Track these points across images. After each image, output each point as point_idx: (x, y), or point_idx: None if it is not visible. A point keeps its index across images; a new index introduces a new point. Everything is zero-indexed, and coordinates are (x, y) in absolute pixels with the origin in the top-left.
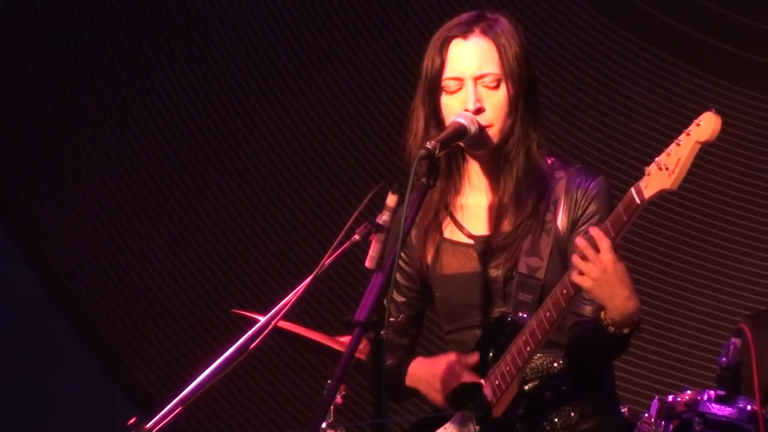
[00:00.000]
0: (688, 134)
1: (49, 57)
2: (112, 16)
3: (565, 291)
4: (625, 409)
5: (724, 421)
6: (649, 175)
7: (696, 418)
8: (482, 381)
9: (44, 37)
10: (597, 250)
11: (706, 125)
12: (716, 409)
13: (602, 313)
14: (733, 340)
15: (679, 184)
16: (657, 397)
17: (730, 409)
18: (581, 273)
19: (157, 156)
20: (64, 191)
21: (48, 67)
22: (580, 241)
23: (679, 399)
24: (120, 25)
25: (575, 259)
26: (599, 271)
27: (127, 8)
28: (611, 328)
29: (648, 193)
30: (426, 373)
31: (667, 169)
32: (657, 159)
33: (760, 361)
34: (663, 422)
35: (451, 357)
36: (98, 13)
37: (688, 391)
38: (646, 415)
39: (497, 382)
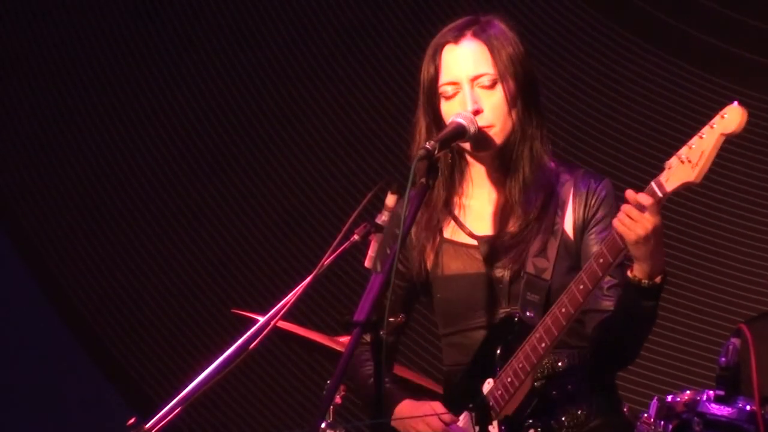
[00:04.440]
0: (711, 127)
1: (49, 60)
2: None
3: (582, 286)
4: (625, 409)
5: (723, 421)
6: (669, 168)
7: (695, 418)
8: (490, 380)
9: (44, 41)
10: (641, 208)
11: (732, 117)
12: (715, 409)
13: (629, 273)
14: (733, 340)
15: (702, 177)
16: (656, 397)
17: (730, 409)
18: (628, 227)
19: (158, 157)
20: (61, 193)
21: (49, 72)
22: (630, 195)
23: (679, 399)
24: (125, 29)
25: (632, 211)
26: (648, 221)
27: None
28: (644, 282)
29: (669, 186)
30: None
31: (690, 161)
32: (678, 153)
33: (759, 361)
34: (662, 422)
35: (435, 406)
36: (98, 16)
37: (688, 391)
38: (646, 415)
39: (509, 379)
